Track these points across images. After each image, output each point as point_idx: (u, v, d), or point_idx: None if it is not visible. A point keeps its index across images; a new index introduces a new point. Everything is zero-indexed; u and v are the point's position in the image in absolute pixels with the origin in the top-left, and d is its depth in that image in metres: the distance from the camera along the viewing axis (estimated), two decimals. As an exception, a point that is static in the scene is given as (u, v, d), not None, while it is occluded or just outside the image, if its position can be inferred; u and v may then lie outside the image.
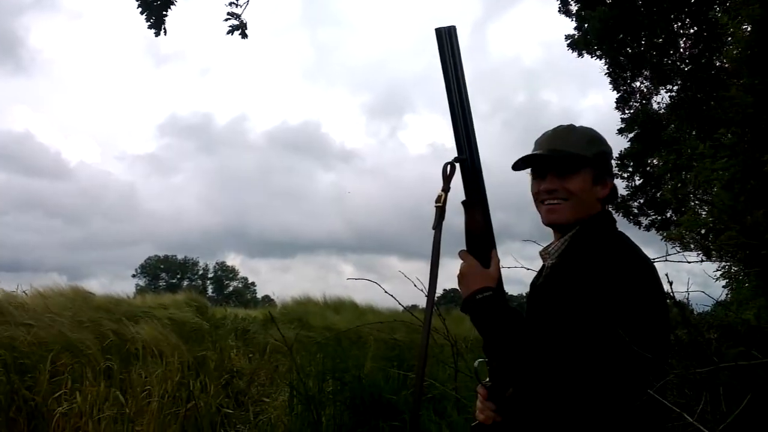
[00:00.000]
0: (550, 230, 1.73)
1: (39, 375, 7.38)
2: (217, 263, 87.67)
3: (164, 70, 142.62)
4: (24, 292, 10.44)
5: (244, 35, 7.27)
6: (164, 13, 7.15)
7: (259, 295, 68.64)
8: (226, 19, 7.15)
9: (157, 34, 7.20)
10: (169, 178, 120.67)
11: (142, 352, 8.64)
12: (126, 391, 7.08)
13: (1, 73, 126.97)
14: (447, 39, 1.67)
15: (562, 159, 1.65)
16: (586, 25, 12.47)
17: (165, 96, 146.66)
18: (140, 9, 7.08)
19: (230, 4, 7.16)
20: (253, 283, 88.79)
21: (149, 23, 7.13)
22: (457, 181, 1.67)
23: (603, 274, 1.45)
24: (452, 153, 1.67)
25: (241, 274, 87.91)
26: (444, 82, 1.68)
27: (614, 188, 1.70)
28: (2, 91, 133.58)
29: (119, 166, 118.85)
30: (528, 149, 1.70)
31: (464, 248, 1.66)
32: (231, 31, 7.22)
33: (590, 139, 1.67)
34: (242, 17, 7.26)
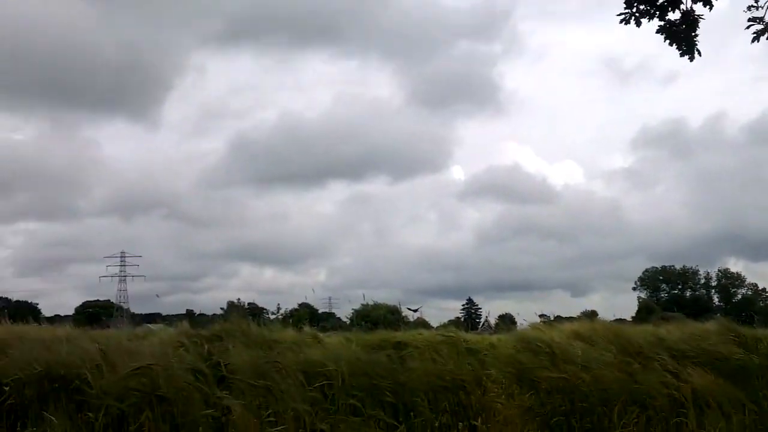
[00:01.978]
0: None
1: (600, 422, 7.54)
2: (719, 270, 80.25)
3: (629, 85, 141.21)
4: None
5: (774, 38, 6.77)
6: (694, 35, 7.11)
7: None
8: (748, 26, 7.02)
9: (691, 59, 7.22)
10: (650, 189, 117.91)
11: (692, 402, 8.05)
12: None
13: (485, 116, 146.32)
14: None
15: None
16: None
17: (633, 110, 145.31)
18: (668, 41, 7.08)
19: (749, 8, 6.99)
20: (764, 290, 78.62)
21: (681, 51, 7.20)
22: None
23: None
24: None
25: (748, 280, 78.54)
26: None
27: None
28: (490, 132, 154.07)
29: (599, 184, 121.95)
30: None
31: None
32: (756, 38, 7.05)
33: None
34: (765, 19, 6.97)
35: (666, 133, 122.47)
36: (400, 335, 12.38)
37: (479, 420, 7.39)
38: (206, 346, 8.65)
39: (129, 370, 5.30)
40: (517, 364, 8.24)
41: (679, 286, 77.90)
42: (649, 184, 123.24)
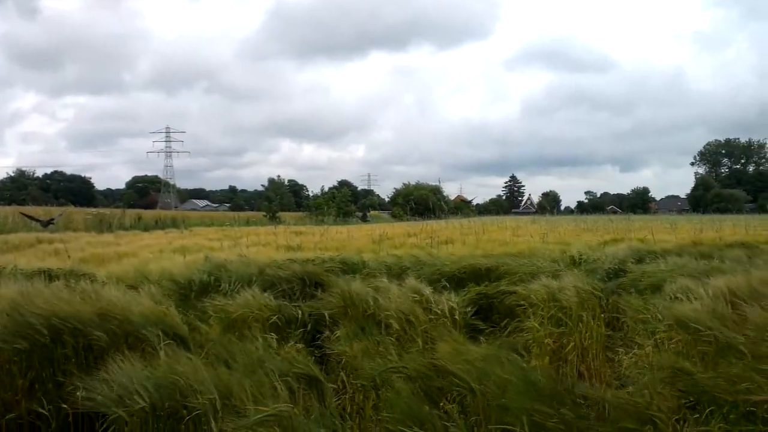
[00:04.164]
0: None
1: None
2: (791, 144, 75.31)
3: None
4: None
5: None
6: None
7: None
8: None
9: None
10: (720, 53, 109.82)
11: None
12: None
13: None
14: None
15: None
16: None
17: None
18: None
19: None
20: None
21: None
22: None
23: None
24: None
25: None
26: None
27: None
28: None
29: (663, 49, 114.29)
30: None
31: None
32: None
33: None
34: None
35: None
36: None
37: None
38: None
39: (255, 417, 4.22)
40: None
41: (743, 161, 73.99)
42: (719, 47, 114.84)
